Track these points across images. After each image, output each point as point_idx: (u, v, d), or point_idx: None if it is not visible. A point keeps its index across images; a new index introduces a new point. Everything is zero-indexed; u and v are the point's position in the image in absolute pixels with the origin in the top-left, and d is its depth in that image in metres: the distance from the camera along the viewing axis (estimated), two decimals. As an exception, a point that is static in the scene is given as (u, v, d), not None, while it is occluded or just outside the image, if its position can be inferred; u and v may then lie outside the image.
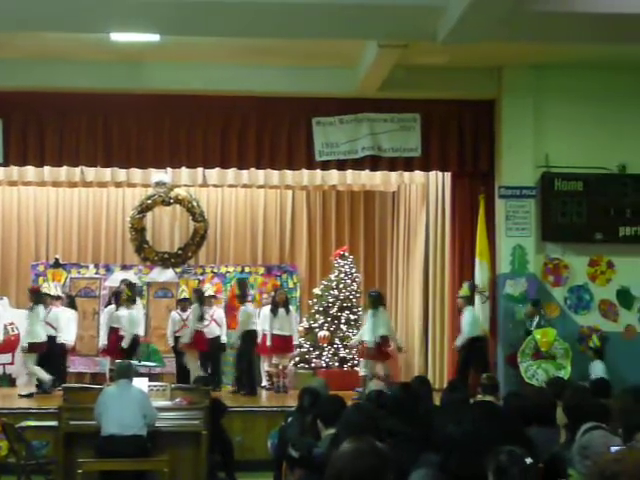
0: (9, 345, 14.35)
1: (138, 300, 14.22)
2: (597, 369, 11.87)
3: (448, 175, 13.67)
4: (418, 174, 14.09)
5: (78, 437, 9.36)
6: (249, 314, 13.55)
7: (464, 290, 12.66)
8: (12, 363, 14.49)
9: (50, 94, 12.41)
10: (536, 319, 12.02)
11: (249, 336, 13.48)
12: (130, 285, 13.89)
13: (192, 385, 11.05)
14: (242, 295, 13.90)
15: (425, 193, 14.77)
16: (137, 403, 8.71)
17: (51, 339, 13.26)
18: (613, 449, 3.65)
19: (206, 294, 14.21)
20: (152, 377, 12.02)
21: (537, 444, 4.45)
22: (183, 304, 13.96)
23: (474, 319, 12.41)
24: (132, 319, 13.37)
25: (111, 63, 11.85)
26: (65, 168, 13.69)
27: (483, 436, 3.54)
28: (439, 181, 14.23)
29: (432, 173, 14.01)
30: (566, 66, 12.33)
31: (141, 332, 13.77)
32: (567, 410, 5.64)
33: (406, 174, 14.08)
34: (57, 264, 15.37)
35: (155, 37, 10.58)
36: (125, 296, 13.54)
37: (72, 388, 10.67)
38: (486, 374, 9.35)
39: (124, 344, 13.17)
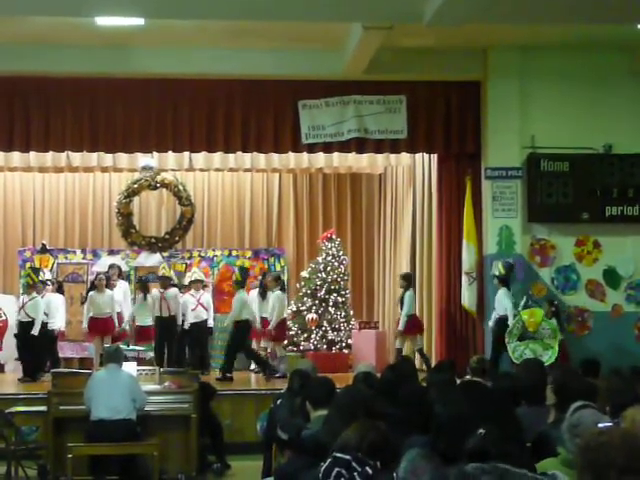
0: (-4, 330, 14.35)
1: (122, 284, 14.24)
2: (502, 296, 12.13)
3: (434, 157, 13.68)
4: (404, 156, 14.11)
5: (68, 422, 9.37)
6: (244, 302, 13.51)
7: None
8: (0, 349, 14.48)
9: (35, 78, 12.36)
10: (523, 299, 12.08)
11: (243, 325, 13.43)
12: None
13: (181, 369, 11.06)
14: (242, 282, 13.79)
15: (412, 175, 14.80)
16: (126, 387, 8.72)
17: (42, 325, 13.25)
18: (601, 425, 3.69)
19: (193, 278, 14.19)
20: (140, 361, 12.02)
21: (526, 423, 4.49)
22: (163, 282, 13.90)
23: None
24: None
25: (97, 47, 11.81)
26: (51, 153, 13.67)
27: (471, 416, 3.57)
28: (425, 163, 14.25)
29: (418, 155, 14.04)
30: (552, 47, 12.35)
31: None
32: (556, 389, 5.69)
33: (392, 156, 14.10)
34: (44, 250, 15.34)
35: (140, 21, 10.56)
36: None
37: (61, 373, 10.67)
38: (476, 356, 9.37)
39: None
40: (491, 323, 12.46)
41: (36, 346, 13.10)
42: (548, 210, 12.53)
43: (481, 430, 3.35)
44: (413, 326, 13.30)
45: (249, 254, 15.93)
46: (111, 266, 14.40)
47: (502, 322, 12.21)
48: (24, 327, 13.08)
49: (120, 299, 13.84)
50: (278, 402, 7.94)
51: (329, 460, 3.95)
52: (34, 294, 13.24)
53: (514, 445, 3.36)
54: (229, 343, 13.26)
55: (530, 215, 12.56)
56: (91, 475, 8.83)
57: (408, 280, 13.46)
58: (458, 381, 7.48)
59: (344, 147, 13.06)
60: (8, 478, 9.35)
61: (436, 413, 3.82)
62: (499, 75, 12.55)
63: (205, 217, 16.69)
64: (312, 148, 13.08)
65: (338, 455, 3.90)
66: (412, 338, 13.41)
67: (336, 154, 13.85)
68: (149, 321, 13.62)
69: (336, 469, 3.87)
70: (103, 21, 10.59)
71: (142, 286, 13.79)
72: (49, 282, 13.83)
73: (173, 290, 13.85)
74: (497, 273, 12.55)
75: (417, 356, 13.07)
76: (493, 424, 3.35)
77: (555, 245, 12.66)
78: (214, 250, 15.98)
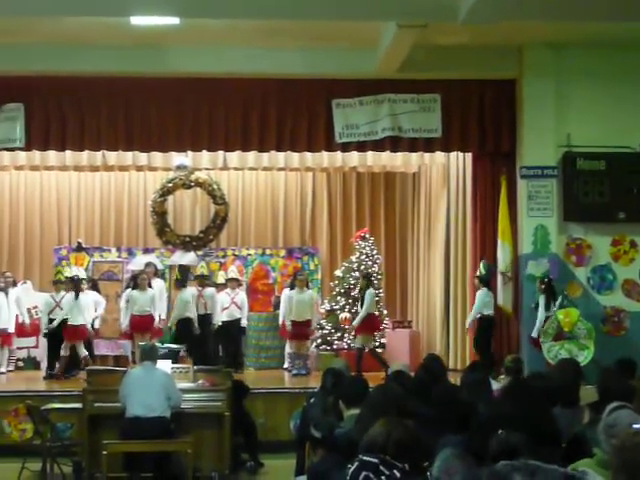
0: (33, 329, 14.45)
1: (158, 282, 14.30)
2: (482, 296, 12.46)
3: (469, 156, 13.62)
4: (439, 155, 14.05)
5: (102, 419, 9.42)
6: (186, 301, 13.60)
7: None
8: (36, 346, 14.60)
9: (71, 78, 12.45)
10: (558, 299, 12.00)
11: (186, 323, 13.51)
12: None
13: (215, 367, 11.10)
14: (182, 280, 13.84)
15: (446, 174, 14.72)
16: (161, 385, 8.75)
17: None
18: (636, 426, 3.65)
19: (230, 276, 14.24)
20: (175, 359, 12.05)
21: (561, 424, 4.45)
22: (201, 281, 13.97)
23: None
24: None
25: (131, 47, 11.86)
26: (87, 152, 13.76)
27: (510, 417, 3.55)
28: (460, 162, 14.17)
29: (453, 154, 13.96)
30: (587, 45, 12.23)
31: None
32: (598, 390, 5.66)
33: (427, 155, 14.05)
34: (80, 248, 15.45)
35: (175, 20, 10.59)
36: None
37: (96, 370, 10.73)
38: (510, 356, 9.32)
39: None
40: (469, 321, 12.84)
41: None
42: (584, 209, 12.42)
43: (501, 431, 3.34)
44: (369, 325, 13.43)
45: (283, 253, 15.95)
46: (147, 264, 14.49)
47: (485, 321, 12.46)
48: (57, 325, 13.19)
49: (156, 297, 13.90)
50: (311, 401, 7.94)
51: (356, 463, 3.90)
52: (62, 292, 13.32)
53: (547, 445, 3.34)
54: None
55: (566, 214, 12.46)
56: (126, 472, 8.86)
57: (368, 279, 13.70)
58: (492, 381, 7.45)
59: (378, 146, 13.03)
60: (44, 475, 9.44)
61: (476, 412, 3.80)
62: (534, 73, 12.46)
63: (239, 216, 16.72)
64: (346, 147, 13.07)
65: (365, 458, 3.84)
66: (366, 337, 13.40)
67: (370, 153, 13.83)
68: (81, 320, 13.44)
69: (363, 473, 3.81)
70: (138, 21, 10.64)
71: (75, 286, 13.54)
72: (79, 280, 13.92)
73: (211, 289, 13.91)
74: (478, 273, 12.83)
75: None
76: (529, 425, 3.33)
77: (591, 244, 12.54)
78: (248, 249, 16.02)
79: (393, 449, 3.84)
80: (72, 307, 13.15)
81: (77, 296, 13.22)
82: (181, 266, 14.26)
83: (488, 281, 12.72)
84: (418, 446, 3.91)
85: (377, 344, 13.96)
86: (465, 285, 13.91)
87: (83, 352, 13.23)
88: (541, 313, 12.01)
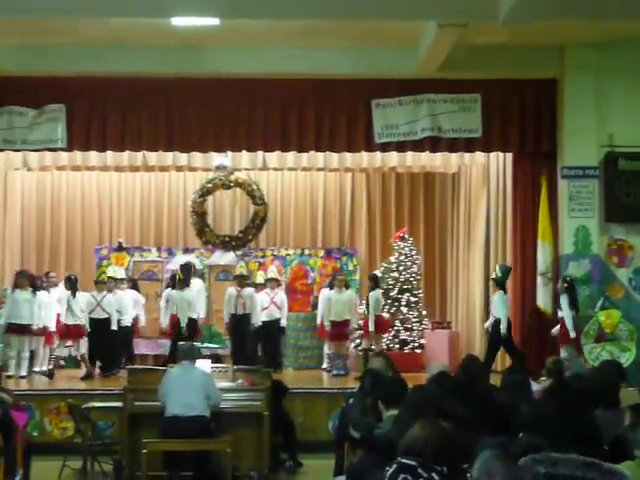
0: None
1: (197, 282, 14.34)
2: (497, 300, 12.49)
3: (509, 156, 13.54)
4: (479, 155, 13.99)
5: (143, 418, 9.46)
6: (189, 300, 13.60)
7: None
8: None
9: (112, 79, 12.55)
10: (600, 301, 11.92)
11: (189, 322, 13.51)
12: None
13: (254, 366, 11.12)
14: (185, 280, 13.88)
15: (486, 174, 14.65)
16: (200, 384, 8.78)
17: (119, 322, 13.46)
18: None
19: (269, 276, 14.26)
20: (215, 359, 12.11)
21: (602, 426, 4.42)
22: (240, 281, 14.00)
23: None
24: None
25: (172, 48, 11.92)
26: (127, 152, 13.87)
27: (552, 418, 3.54)
28: (500, 162, 14.09)
29: (493, 154, 13.89)
30: (629, 44, 12.14)
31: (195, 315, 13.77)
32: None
33: (467, 155, 13.99)
34: (120, 248, 15.57)
35: (215, 21, 10.63)
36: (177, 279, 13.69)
37: (136, 369, 10.79)
38: (551, 357, 9.25)
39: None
40: (487, 325, 12.87)
41: (110, 343, 13.30)
42: (626, 210, 12.31)
43: (521, 434, 3.33)
44: (377, 326, 13.48)
45: (322, 253, 15.96)
46: (186, 264, 14.52)
47: (498, 325, 12.43)
48: (98, 324, 13.29)
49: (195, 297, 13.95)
50: (350, 401, 7.93)
51: (394, 465, 3.90)
52: (104, 292, 13.43)
53: (589, 446, 3.32)
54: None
55: (607, 215, 12.36)
56: (165, 471, 8.90)
57: (374, 281, 13.71)
58: (533, 383, 7.41)
59: (417, 146, 13.00)
60: (84, 473, 9.51)
61: (518, 414, 3.79)
62: (576, 72, 12.37)
63: (278, 216, 16.76)
64: (385, 147, 13.05)
65: (403, 461, 3.84)
66: (376, 338, 13.59)
67: (409, 153, 13.79)
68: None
69: (401, 475, 3.81)
70: (179, 22, 10.69)
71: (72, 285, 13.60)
72: (122, 279, 14.03)
73: (250, 289, 13.94)
74: (494, 276, 12.89)
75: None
76: (571, 426, 3.32)
77: (633, 245, 12.42)
78: (287, 249, 16.04)
79: (431, 452, 3.83)
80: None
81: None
82: (183, 266, 14.30)
83: (504, 284, 12.75)
84: (456, 449, 3.89)
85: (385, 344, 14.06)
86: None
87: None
88: (567, 313, 11.95)
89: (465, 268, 15.48)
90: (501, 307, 12.55)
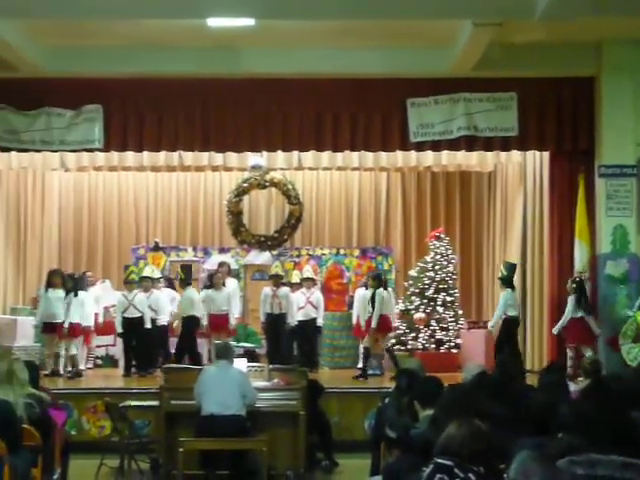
0: (111, 327, 14.67)
1: (232, 281, 14.40)
2: (506, 298, 12.79)
3: (546, 154, 13.45)
4: (515, 154, 13.92)
5: (179, 416, 9.50)
6: (191, 299, 13.65)
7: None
8: (114, 345, 14.82)
9: (148, 80, 12.62)
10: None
11: (190, 321, 13.55)
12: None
13: (290, 366, 11.14)
14: (186, 279, 13.89)
15: (522, 173, 14.56)
16: (237, 383, 8.79)
17: (152, 321, 13.53)
18: None
19: (305, 276, 14.27)
20: (251, 358, 12.13)
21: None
22: (275, 280, 14.03)
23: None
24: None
25: (208, 49, 11.97)
26: (163, 153, 13.96)
27: (590, 419, 3.51)
28: (537, 160, 14.00)
29: (529, 152, 13.81)
30: (668, 41, 12.01)
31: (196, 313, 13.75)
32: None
33: (503, 154, 13.92)
34: (157, 247, 15.67)
35: (250, 22, 10.65)
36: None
37: (173, 368, 10.84)
38: (589, 358, 9.19)
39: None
40: (491, 324, 13.18)
41: (146, 342, 13.37)
42: (664, 208, 12.19)
43: (560, 434, 3.31)
44: (382, 325, 13.45)
45: (357, 253, 15.95)
46: (221, 264, 14.59)
47: (509, 323, 12.74)
48: (131, 323, 13.36)
49: (230, 296, 13.99)
50: (386, 401, 7.93)
51: (431, 466, 3.90)
52: (135, 291, 13.48)
53: (627, 447, 3.29)
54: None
55: (646, 214, 12.25)
56: (202, 469, 8.93)
57: (378, 280, 13.61)
58: (570, 383, 7.36)
59: (453, 145, 12.96)
60: (121, 471, 9.57)
61: (555, 414, 3.77)
62: (613, 70, 12.26)
63: (313, 216, 16.78)
64: (421, 146, 13.02)
65: (440, 461, 3.84)
66: (382, 337, 13.62)
67: (445, 152, 13.74)
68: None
69: (438, 475, 3.81)
70: (214, 22, 10.73)
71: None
72: (159, 278, 14.12)
73: (285, 288, 13.97)
74: (499, 275, 13.20)
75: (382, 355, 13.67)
76: (609, 427, 3.29)
77: (672, 244, 12.30)
78: (322, 248, 16.05)
79: (467, 453, 3.83)
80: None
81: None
82: (184, 265, 14.35)
83: (511, 281, 13.01)
84: (492, 449, 3.89)
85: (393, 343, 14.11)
86: (542, 285, 13.72)
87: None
88: (568, 312, 12.17)
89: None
90: (510, 304, 12.91)
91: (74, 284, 13.53)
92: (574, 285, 12.21)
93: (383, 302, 13.41)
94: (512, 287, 13.08)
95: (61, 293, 13.28)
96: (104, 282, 15.25)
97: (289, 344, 14.00)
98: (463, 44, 11.16)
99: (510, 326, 12.88)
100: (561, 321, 12.29)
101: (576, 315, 12.11)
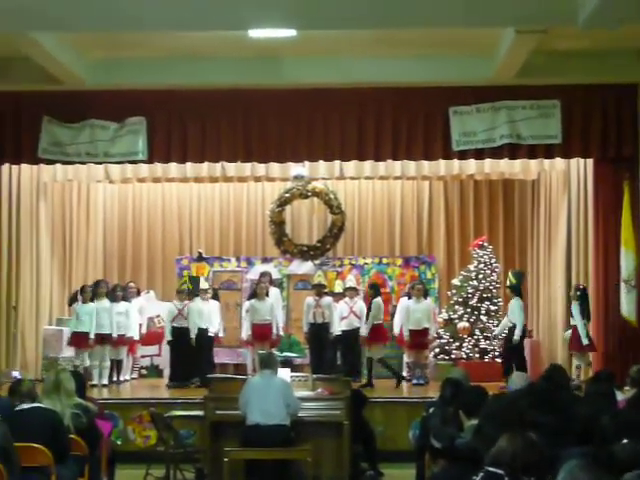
0: (156, 337, 14.80)
1: (274, 291, 14.44)
2: (514, 306, 13.00)
3: (590, 161, 13.34)
4: (559, 161, 13.81)
5: (224, 426, 9.55)
6: (200, 310, 13.70)
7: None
8: (159, 355, 14.94)
9: (191, 91, 12.71)
10: None
11: (200, 333, 13.62)
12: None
13: (333, 376, 11.14)
14: (193, 291, 13.91)
15: (566, 180, 14.44)
16: (280, 393, 8.82)
17: (201, 331, 13.60)
18: None
19: (347, 286, 14.28)
20: (293, 368, 12.15)
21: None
22: (319, 290, 14.06)
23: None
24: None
25: (250, 59, 12.02)
26: (206, 164, 14.03)
27: (635, 427, 3.48)
28: (581, 168, 13.88)
29: (573, 160, 13.70)
30: None
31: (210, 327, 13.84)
32: None
33: (546, 161, 13.83)
34: (200, 258, 15.74)
35: (292, 32, 10.69)
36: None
37: (217, 378, 10.91)
38: (636, 366, 9.07)
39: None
40: (498, 331, 13.49)
41: (192, 352, 13.45)
42: None
43: (626, 440, 3.27)
44: (378, 335, 13.68)
45: (399, 262, 15.90)
46: (263, 274, 14.65)
47: (513, 332, 12.86)
48: (180, 332, 13.47)
49: (273, 306, 14.02)
50: (430, 410, 7.90)
51: (481, 474, 3.88)
52: (186, 301, 13.60)
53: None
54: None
55: (693, 220, 12.11)
56: (246, 479, 8.96)
57: (375, 289, 13.91)
58: (617, 392, 7.28)
59: (496, 153, 12.89)
60: (167, 480, 9.64)
61: (602, 424, 3.73)
62: (657, 76, 12.15)
63: (356, 225, 16.77)
64: (463, 155, 12.96)
65: (491, 469, 3.83)
66: (376, 346, 13.68)
67: (488, 160, 13.68)
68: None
69: None
70: (256, 33, 10.78)
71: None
72: (204, 289, 14.20)
73: (328, 298, 14.00)
74: (508, 283, 13.40)
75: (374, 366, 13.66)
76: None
77: None
78: (365, 258, 16.03)
79: (520, 466, 3.80)
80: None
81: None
82: (191, 276, 14.40)
83: (519, 289, 13.28)
84: (544, 460, 3.85)
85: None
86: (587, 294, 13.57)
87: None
88: (579, 321, 12.42)
89: (546, 276, 15.27)
90: (518, 313, 13.03)
91: (119, 295, 13.68)
92: (578, 293, 12.56)
93: (379, 311, 13.63)
94: (521, 295, 13.36)
95: (107, 304, 13.43)
96: (148, 293, 15.37)
97: (332, 354, 14.02)
98: (505, 52, 11.11)
99: (514, 334, 12.96)
100: (581, 331, 12.48)
101: (573, 322, 12.50)
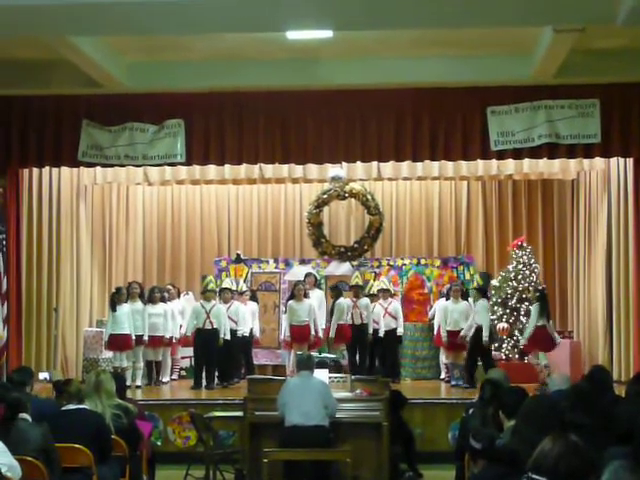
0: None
1: (317, 292, 14.46)
2: (480, 307, 13.16)
3: (630, 160, 13.23)
4: (598, 161, 13.71)
5: (263, 427, 9.56)
6: (235, 312, 13.77)
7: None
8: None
9: (228, 93, 12.77)
10: None
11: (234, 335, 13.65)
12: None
13: (372, 377, 11.13)
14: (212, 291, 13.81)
15: (606, 180, 14.33)
16: (319, 394, 8.82)
17: (233, 332, 13.61)
18: None
19: (380, 287, 14.27)
20: (331, 369, 12.14)
21: None
22: (356, 291, 14.07)
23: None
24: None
25: (286, 61, 12.04)
26: (244, 165, 14.08)
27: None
28: (621, 167, 13.76)
29: (613, 159, 13.59)
30: None
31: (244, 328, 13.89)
32: None
33: (586, 161, 13.74)
34: (239, 259, 15.80)
35: (329, 33, 10.70)
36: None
37: (256, 379, 10.92)
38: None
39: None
40: (464, 332, 13.31)
41: (224, 352, 13.42)
42: None
43: None
44: (342, 335, 13.85)
45: (438, 263, 15.84)
46: (307, 275, 14.69)
47: (479, 332, 12.99)
48: (204, 335, 13.39)
49: (315, 307, 14.03)
50: (470, 411, 7.87)
51: None
52: (213, 301, 13.51)
53: None
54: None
55: None
56: (285, 480, 8.99)
57: (337, 291, 14.16)
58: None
59: (535, 153, 12.81)
60: (207, 481, 9.68)
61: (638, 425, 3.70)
62: (698, 74, 12.01)
63: (393, 226, 16.75)
64: (501, 155, 12.90)
65: (534, 476, 3.78)
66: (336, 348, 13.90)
67: (526, 160, 13.61)
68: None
69: None
70: (294, 35, 10.80)
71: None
72: (241, 291, 14.23)
73: (365, 299, 13.99)
74: (475, 285, 13.63)
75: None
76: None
77: None
78: (403, 259, 16.00)
79: (564, 471, 3.73)
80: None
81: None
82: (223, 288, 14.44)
83: (486, 291, 13.58)
84: (588, 464, 3.77)
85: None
86: (628, 294, 13.45)
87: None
88: (532, 322, 12.65)
89: (586, 276, 15.16)
90: (484, 314, 13.14)
91: (156, 296, 13.73)
92: (537, 294, 12.86)
93: (343, 312, 13.78)
94: (487, 297, 13.64)
95: (140, 305, 13.47)
96: (187, 294, 15.44)
97: (371, 355, 14.03)
98: (544, 51, 11.04)
99: (481, 335, 13.06)
100: (527, 331, 12.81)
101: (538, 323, 12.55)
